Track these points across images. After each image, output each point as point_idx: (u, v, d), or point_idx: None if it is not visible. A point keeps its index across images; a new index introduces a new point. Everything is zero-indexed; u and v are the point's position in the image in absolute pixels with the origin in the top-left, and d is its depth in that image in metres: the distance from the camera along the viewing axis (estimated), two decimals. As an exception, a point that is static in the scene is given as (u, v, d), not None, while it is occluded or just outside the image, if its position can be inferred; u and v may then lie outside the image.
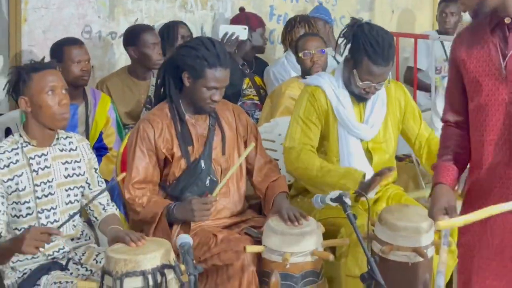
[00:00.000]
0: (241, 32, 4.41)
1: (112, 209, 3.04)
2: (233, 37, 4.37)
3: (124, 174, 2.89)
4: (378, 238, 2.94)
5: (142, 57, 4.21)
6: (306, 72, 4.17)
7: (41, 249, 2.69)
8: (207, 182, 3.08)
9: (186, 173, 3.07)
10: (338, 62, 3.95)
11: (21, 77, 2.78)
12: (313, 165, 3.19)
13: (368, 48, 3.09)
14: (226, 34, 4.41)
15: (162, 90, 3.16)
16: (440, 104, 3.66)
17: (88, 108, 3.81)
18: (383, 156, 3.36)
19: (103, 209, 3.01)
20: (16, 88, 2.81)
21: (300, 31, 4.71)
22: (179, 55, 3.06)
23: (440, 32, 5.49)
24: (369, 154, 3.34)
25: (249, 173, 3.26)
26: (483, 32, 2.35)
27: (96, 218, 3.01)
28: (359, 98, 3.25)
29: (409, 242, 2.89)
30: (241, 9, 5.07)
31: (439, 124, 3.57)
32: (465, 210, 2.43)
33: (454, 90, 2.49)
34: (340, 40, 3.24)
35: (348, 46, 3.20)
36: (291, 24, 4.87)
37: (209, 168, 3.08)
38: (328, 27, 5.23)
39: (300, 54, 4.18)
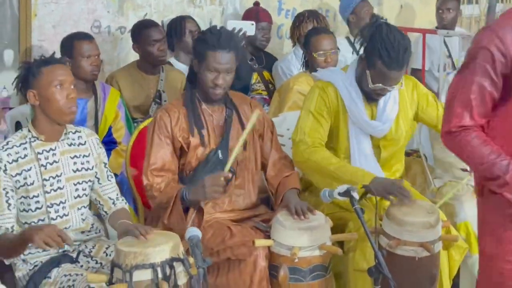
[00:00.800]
0: (249, 27, 4.42)
1: (122, 203, 3.06)
2: (241, 33, 4.38)
3: (134, 170, 2.92)
4: (385, 232, 2.95)
5: (144, 54, 4.26)
6: (315, 69, 4.19)
7: (49, 249, 2.71)
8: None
9: (204, 163, 3.08)
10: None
11: (31, 71, 2.81)
12: (325, 160, 3.17)
13: (383, 53, 3.04)
14: (233, 29, 4.42)
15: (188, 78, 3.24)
16: (444, 99, 3.64)
17: (98, 102, 3.83)
18: (392, 151, 3.36)
19: (113, 203, 3.03)
20: (25, 82, 2.84)
21: (308, 26, 4.72)
22: (193, 44, 3.17)
23: (437, 28, 5.46)
24: (378, 150, 3.34)
25: (263, 167, 3.27)
26: None
27: (106, 212, 3.03)
28: (370, 98, 3.24)
29: (416, 237, 2.90)
30: (256, 3, 5.08)
31: None
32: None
33: (492, 90, 2.33)
34: (358, 38, 3.20)
35: (364, 45, 3.17)
36: (299, 19, 4.88)
37: (227, 158, 3.04)
38: None
39: (315, 55, 4.16)
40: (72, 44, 3.82)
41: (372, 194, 2.99)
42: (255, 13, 4.91)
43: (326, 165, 3.16)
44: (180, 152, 3.11)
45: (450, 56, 5.20)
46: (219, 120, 3.13)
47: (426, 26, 5.72)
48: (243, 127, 3.12)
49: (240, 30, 4.35)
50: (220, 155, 3.07)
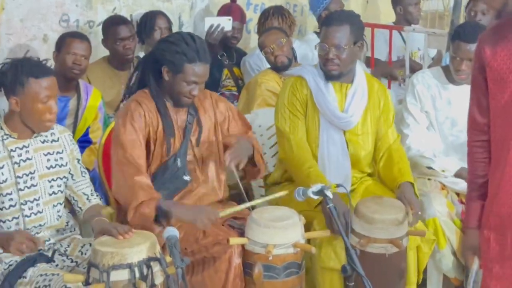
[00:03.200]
0: (226, 23, 4.44)
1: (96, 199, 3.07)
2: (219, 29, 4.39)
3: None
4: (355, 231, 3.01)
5: (111, 50, 4.28)
6: (274, 66, 4.25)
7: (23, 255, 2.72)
8: (184, 178, 3.10)
9: (162, 170, 3.08)
10: None
11: (18, 78, 2.77)
12: (299, 163, 3.28)
13: (324, 18, 3.43)
14: (211, 26, 4.43)
15: (135, 83, 3.17)
16: (409, 99, 3.72)
17: (80, 101, 3.82)
18: (359, 151, 3.42)
19: (87, 199, 3.05)
20: (10, 87, 2.80)
21: (273, 23, 4.76)
22: (158, 50, 3.07)
23: (396, 23, 5.51)
24: (346, 144, 3.41)
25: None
26: (507, 31, 2.40)
27: (80, 208, 3.04)
28: (326, 74, 3.32)
29: (386, 234, 2.97)
30: (232, 0, 5.09)
31: (410, 120, 3.67)
32: (494, 211, 2.45)
33: (479, 91, 2.50)
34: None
35: None
36: (264, 16, 4.91)
37: (185, 166, 3.10)
38: None
39: (263, 53, 4.30)
40: (64, 39, 3.84)
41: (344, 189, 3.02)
42: (227, 10, 4.91)
43: (298, 168, 3.28)
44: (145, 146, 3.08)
45: (406, 49, 5.29)
46: (181, 121, 3.14)
47: (391, 22, 5.78)
48: (201, 128, 3.15)
49: (218, 26, 4.36)
50: (179, 163, 3.08)
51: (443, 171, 3.59)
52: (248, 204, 3.03)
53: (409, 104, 3.70)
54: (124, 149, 2.97)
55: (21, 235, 2.60)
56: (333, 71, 3.30)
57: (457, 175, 3.57)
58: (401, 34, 5.26)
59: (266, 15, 4.89)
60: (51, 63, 3.78)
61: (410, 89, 3.74)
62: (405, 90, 3.92)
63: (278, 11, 4.89)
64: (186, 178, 3.10)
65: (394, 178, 3.31)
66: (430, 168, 3.63)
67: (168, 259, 2.53)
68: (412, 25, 5.32)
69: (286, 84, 3.45)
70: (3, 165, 2.82)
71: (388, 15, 6.25)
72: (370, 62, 5.23)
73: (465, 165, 3.54)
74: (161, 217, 2.92)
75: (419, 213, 3.15)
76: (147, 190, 2.94)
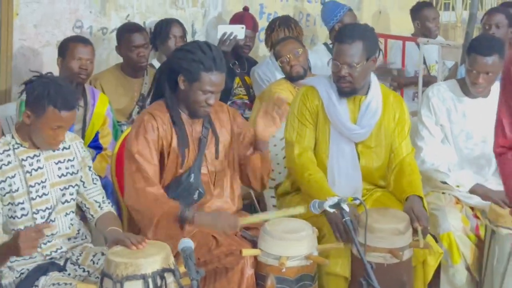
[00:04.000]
0: (239, 31, 4.43)
1: (108, 207, 3.06)
2: (231, 37, 4.38)
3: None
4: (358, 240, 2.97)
5: (124, 58, 4.27)
6: (289, 76, 4.24)
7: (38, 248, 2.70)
8: (196, 195, 3.08)
9: (175, 185, 3.06)
10: None
11: (41, 102, 2.76)
12: (304, 171, 3.27)
13: (337, 33, 3.36)
14: (224, 34, 4.42)
15: (155, 92, 3.16)
16: (424, 112, 3.70)
17: (87, 107, 3.81)
18: (371, 163, 3.38)
19: (99, 206, 3.03)
20: (31, 101, 2.80)
21: (280, 35, 4.75)
22: (175, 58, 3.05)
23: (415, 35, 5.51)
24: (358, 157, 3.38)
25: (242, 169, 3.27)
26: None
27: (92, 215, 3.03)
28: (339, 90, 3.30)
29: (385, 243, 2.96)
30: (245, 8, 5.08)
31: (425, 133, 3.64)
32: None
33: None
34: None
35: None
36: (271, 28, 4.90)
37: (198, 181, 3.08)
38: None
39: (278, 62, 4.27)
40: (68, 44, 3.82)
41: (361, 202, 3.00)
42: (239, 18, 4.90)
43: (300, 177, 3.28)
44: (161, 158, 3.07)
45: (425, 62, 5.26)
46: (196, 133, 3.12)
47: (403, 32, 5.78)
48: (217, 140, 3.13)
49: (230, 34, 4.35)
50: (192, 179, 3.06)
51: (457, 186, 3.56)
52: (267, 216, 3.02)
53: (424, 117, 3.68)
54: (136, 162, 2.96)
55: (21, 236, 2.53)
56: (346, 88, 3.28)
57: (472, 191, 3.54)
58: (418, 47, 5.24)
59: (273, 26, 4.88)
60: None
61: (425, 102, 3.71)
62: (420, 103, 3.90)
63: (285, 23, 4.87)
64: (196, 196, 3.08)
65: (403, 190, 3.27)
66: (444, 183, 3.60)
67: (182, 269, 2.51)
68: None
69: (298, 94, 3.46)
70: (15, 174, 2.82)
71: (400, 26, 6.25)
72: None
73: (480, 179, 3.59)
74: (183, 223, 2.92)
75: (428, 227, 3.12)
76: (161, 201, 2.93)
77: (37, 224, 2.68)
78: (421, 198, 3.22)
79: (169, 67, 3.07)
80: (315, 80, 3.46)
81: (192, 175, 3.05)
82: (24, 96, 2.91)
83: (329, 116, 3.33)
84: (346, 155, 3.35)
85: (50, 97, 2.77)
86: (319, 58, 4.86)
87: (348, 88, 3.28)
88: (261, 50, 5.45)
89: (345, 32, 3.27)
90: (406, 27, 5.97)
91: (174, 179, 3.06)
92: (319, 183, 3.22)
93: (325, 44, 5.21)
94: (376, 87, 3.38)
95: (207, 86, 2.98)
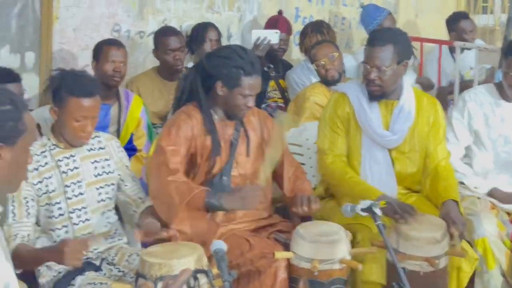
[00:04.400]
0: (273, 36, 4.45)
1: (150, 202, 3.06)
2: (265, 42, 4.40)
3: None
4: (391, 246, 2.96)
5: (161, 61, 4.33)
6: (324, 80, 4.24)
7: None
8: None
9: (207, 186, 3.07)
10: None
11: (59, 92, 2.81)
12: (341, 175, 3.27)
13: (369, 36, 3.32)
14: (258, 38, 4.45)
15: (185, 95, 3.17)
16: (455, 115, 3.67)
17: (121, 109, 3.86)
18: (406, 169, 3.36)
19: (142, 202, 3.07)
20: (53, 96, 2.85)
21: (312, 40, 4.76)
22: (211, 66, 3.06)
23: (450, 48, 5.43)
24: (393, 162, 3.36)
25: (278, 181, 3.29)
26: None
27: (134, 211, 3.05)
28: (369, 94, 3.28)
29: (421, 252, 2.92)
30: (280, 12, 5.10)
31: (450, 136, 3.60)
32: None
33: None
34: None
35: None
36: (304, 33, 4.92)
37: (230, 184, 3.11)
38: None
39: (314, 66, 4.29)
40: (101, 47, 3.88)
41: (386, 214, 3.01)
42: (274, 22, 4.92)
43: (340, 180, 3.26)
44: (190, 159, 3.10)
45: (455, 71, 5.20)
46: (229, 135, 3.15)
47: (441, 35, 5.72)
48: (248, 139, 3.15)
49: (265, 39, 4.38)
50: (224, 181, 3.09)
51: (475, 188, 3.53)
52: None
53: (454, 119, 3.64)
54: (163, 154, 2.98)
55: (69, 246, 2.54)
56: (375, 92, 3.27)
57: (490, 194, 3.50)
58: (452, 56, 5.18)
59: (305, 32, 4.90)
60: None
61: (460, 105, 3.67)
62: (454, 105, 3.87)
63: (317, 28, 4.87)
64: None
65: (439, 195, 3.25)
66: (461, 183, 3.56)
67: (215, 271, 2.53)
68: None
69: (329, 101, 3.45)
70: (51, 175, 2.87)
71: (438, 28, 6.20)
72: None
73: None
74: (212, 210, 2.98)
75: (464, 232, 3.09)
76: (184, 187, 2.93)
77: (84, 239, 2.69)
78: (457, 202, 3.19)
79: (204, 73, 3.09)
80: (346, 86, 3.46)
81: (225, 178, 3.08)
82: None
83: (360, 123, 3.31)
84: (380, 162, 3.33)
85: (68, 86, 2.81)
86: (355, 59, 4.88)
87: (378, 92, 3.26)
88: (294, 54, 5.47)
89: (377, 36, 3.26)
90: (443, 30, 5.93)
91: (205, 181, 3.09)
92: (364, 184, 3.21)
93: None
94: (408, 91, 3.35)
95: (247, 90, 3.01)
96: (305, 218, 3.22)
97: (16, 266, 2.72)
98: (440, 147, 3.38)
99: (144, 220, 2.87)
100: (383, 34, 3.28)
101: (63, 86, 2.81)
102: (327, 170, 3.33)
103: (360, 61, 4.82)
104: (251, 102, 3.04)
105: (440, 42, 5.26)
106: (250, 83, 3.01)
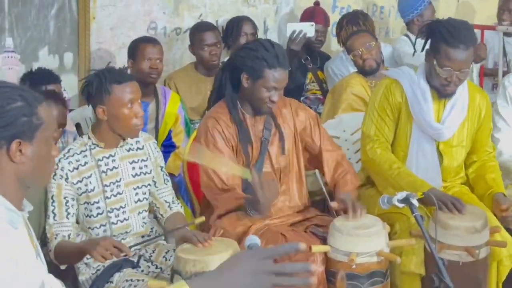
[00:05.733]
0: (308, 29, 4.41)
1: (177, 207, 3.10)
2: (301, 35, 4.38)
3: (202, 218, 2.95)
4: (430, 236, 2.91)
5: (198, 57, 4.33)
6: (361, 70, 4.19)
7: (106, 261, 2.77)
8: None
9: None
10: None
11: (102, 87, 2.82)
12: (386, 164, 3.20)
13: (445, 33, 3.04)
14: (294, 32, 4.43)
15: (218, 91, 3.20)
16: (500, 102, 3.58)
17: (159, 106, 3.89)
18: (451, 162, 3.30)
19: (169, 206, 3.08)
20: (95, 97, 2.85)
21: (348, 32, 4.68)
22: (237, 57, 3.09)
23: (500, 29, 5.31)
24: (440, 156, 3.30)
25: (320, 167, 3.28)
26: None
27: (161, 215, 3.09)
28: (441, 93, 3.18)
29: (461, 241, 2.88)
30: (316, 3, 5.06)
31: (501, 124, 3.53)
32: None
33: None
34: (420, 36, 3.24)
35: (428, 42, 3.18)
36: (340, 25, 4.85)
37: (259, 181, 3.07)
38: None
39: (351, 56, 4.23)
40: (137, 46, 3.92)
41: (427, 204, 2.96)
42: (310, 14, 4.88)
43: (386, 170, 3.18)
44: None
45: (505, 54, 5.07)
46: (260, 131, 3.14)
47: (485, 22, 5.59)
48: (281, 134, 3.14)
49: (300, 32, 4.35)
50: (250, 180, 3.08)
51: None
52: None
53: (500, 107, 3.57)
54: (207, 173, 3.04)
55: (107, 242, 2.63)
56: (451, 93, 3.17)
57: None
58: (503, 39, 5.05)
59: (341, 24, 4.82)
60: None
61: (501, 92, 3.60)
62: (497, 93, 3.79)
63: (353, 20, 4.79)
64: None
65: (489, 186, 3.20)
66: None
67: (250, 266, 2.53)
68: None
69: (380, 86, 3.33)
70: (91, 174, 2.89)
71: (481, 14, 6.07)
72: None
73: None
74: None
75: None
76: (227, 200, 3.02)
77: (123, 244, 2.70)
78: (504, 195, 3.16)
79: (232, 66, 3.10)
80: (400, 73, 3.32)
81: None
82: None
83: (414, 114, 3.23)
84: (427, 154, 3.26)
85: (107, 79, 2.82)
86: (403, 50, 4.79)
87: (453, 92, 3.18)
88: (333, 45, 5.41)
89: (460, 38, 3.04)
90: (488, 15, 5.79)
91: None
92: (412, 176, 3.15)
93: (406, 35, 5.10)
94: (464, 86, 3.24)
95: (271, 83, 2.99)
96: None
97: (60, 262, 2.81)
98: (488, 142, 3.34)
99: (178, 236, 2.86)
100: (466, 36, 3.06)
101: (105, 80, 2.83)
102: (372, 157, 3.26)
103: (398, 49, 4.82)
104: (275, 96, 3.02)
105: (482, 27, 5.12)
106: (274, 75, 2.98)
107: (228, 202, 3.03)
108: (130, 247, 2.75)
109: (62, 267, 2.88)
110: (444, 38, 3.05)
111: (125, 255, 2.71)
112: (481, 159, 3.32)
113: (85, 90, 2.89)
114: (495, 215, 3.16)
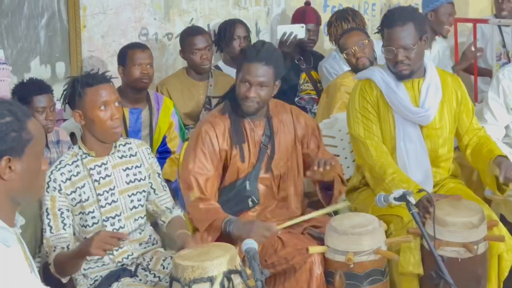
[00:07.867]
0: (299, 30, 4.40)
1: (178, 212, 3.10)
2: (291, 37, 4.36)
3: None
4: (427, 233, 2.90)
5: (188, 61, 4.32)
6: (355, 68, 4.18)
7: (110, 256, 2.76)
8: (249, 202, 3.12)
9: (229, 188, 3.11)
10: None
11: (75, 91, 2.81)
12: (381, 169, 3.21)
13: (384, 18, 3.30)
14: (284, 34, 4.41)
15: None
16: (491, 95, 3.58)
17: (152, 112, 3.88)
18: (437, 145, 3.33)
19: (170, 212, 3.07)
20: (71, 102, 2.86)
21: (338, 29, 4.69)
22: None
23: (496, 17, 5.32)
24: (426, 140, 3.32)
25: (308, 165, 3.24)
26: None
27: (163, 221, 3.07)
28: (398, 75, 3.25)
29: (458, 238, 2.88)
30: (307, 3, 5.05)
31: (488, 116, 3.54)
32: None
33: None
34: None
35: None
36: (329, 23, 4.84)
37: (253, 189, 3.11)
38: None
39: (344, 55, 4.22)
40: (126, 52, 3.93)
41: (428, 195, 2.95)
42: (301, 14, 4.88)
43: (381, 175, 3.19)
44: (223, 165, 3.11)
45: (504, 46, 5.07)
46: (259, 135, 3.13)
47: (478, 16, 5.58)
48: (272, 154, 3.13)
49: (291, 34, 4.34)
50: (248, 187, 3.09)
51: None
52: (306, 217, 3.04)
53: (490, 100, 3.59)
54: (189, 180, 3.04)
55: (100, 234, 2.59)
56: (404, 71, 3.24)
57: None
58: (500, 30, 5.04)
59: (331, 21, 4.82)
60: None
61: (494, 84, 3.62)
62: (492, 78, 3.79)
63: (341, 17, 4.77)
64: (250, 204, 3.12)
65: (487, 156, 3.22)
66: None
67: (249, 271, 2.52)
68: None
69: (355, 89, 3.41)
70: (84, 184, 2.87)
71: (474, 7, 6.05)
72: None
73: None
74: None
75: None
76: (209, 215, 3.01)
77: (117, 232, 2.71)
78: (506, 157, 3.17)
79: None
80: (368, 72, 3.41)
81: (247, 183, 3.08)
82: None
83: (391, 103, 3.28)
84: (413, 140, 3.30)
85: (79, 82, 2.81)
86: None
87: (407, 71, 3.24)
88: (326, 44, 5.40)
89: (395, 16, 3.22)
90: (481, 7, 5.78)
91: (230, 183, 3.09)
92: (406, 181, 3.15)
93: None
94: (432, 68, 3.33)
95: (245, 76, 3.00)
96: (327, 188, 3.18)
97: (60, 273, 2.79)
98: (474, 121, 3.38)
99: (179, 241, 2.86)
100: (400, 13, 3.23)
101: (76, 85, 2.82)
102: (367, 161, 3.27)
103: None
104: (251, 92, 3.00)
105: (474, 21, 5.12)
106: (249, 68, 2.99)
107: (204, 214, 3.01)
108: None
109: (64, 280, 2.86)
110: (383, 22, 3.27)
111: (124, 264, 2.68)
112: (473, 140, 3.35)
113: (63, 97, 2.88)
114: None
